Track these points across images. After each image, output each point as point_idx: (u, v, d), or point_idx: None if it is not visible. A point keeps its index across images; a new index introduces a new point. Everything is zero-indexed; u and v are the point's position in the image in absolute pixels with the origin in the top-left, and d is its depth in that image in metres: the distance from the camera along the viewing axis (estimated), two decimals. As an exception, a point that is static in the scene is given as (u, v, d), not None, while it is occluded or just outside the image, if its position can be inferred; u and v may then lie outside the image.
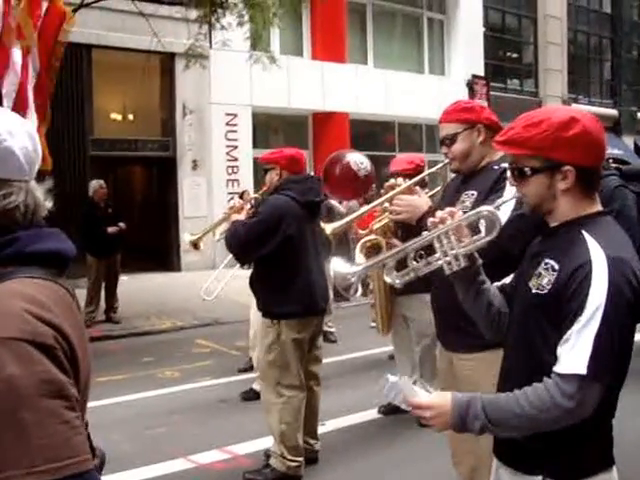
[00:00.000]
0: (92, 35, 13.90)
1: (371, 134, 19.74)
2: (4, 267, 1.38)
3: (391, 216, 3.47)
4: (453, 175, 3.67)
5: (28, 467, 1.20)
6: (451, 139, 3.32)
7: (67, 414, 1.27)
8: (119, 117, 15.76)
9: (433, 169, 3.88)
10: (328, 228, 3.76)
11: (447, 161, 3.45)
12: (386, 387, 2.12)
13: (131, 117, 15.85)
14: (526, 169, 2.07)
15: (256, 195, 5.57)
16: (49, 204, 1.51)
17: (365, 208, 3.85)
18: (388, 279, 2.38)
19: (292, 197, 4.72)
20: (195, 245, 5.37)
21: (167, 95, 15.86)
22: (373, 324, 8.48)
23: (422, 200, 3.30)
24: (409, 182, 3.46)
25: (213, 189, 15.98)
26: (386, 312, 5.89)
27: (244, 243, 4.62)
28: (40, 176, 1.52)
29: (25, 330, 1.26)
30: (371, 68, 19.76)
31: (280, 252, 4.64)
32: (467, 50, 21.50)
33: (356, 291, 4.84)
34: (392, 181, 3.48)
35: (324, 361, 7.54)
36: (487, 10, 22.66)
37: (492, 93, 21.93)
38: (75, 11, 10.77)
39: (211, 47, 13.55)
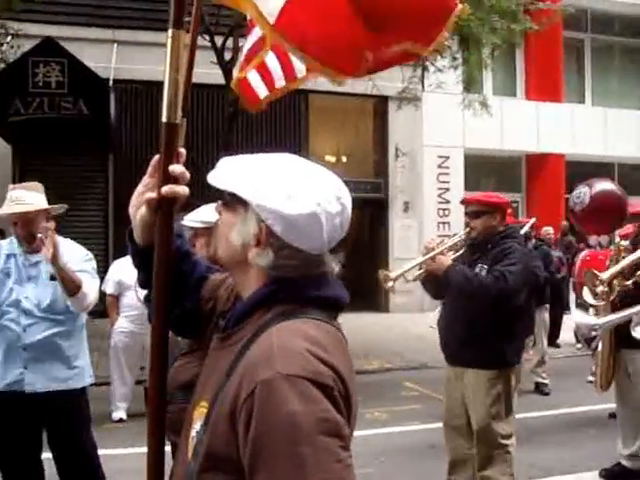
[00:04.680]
0: (310, 81, 14.56)
1: (588, 176, 18.79)
2: (286, 305, 1.51)
3: None
4: None
5: None
6: None
7: (342, 453, 1.33)
8: (333, 159, 16.29)
9: None
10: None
11: None
12: None
13: (344, 159, 16.34)
14: None
15: (458, 238, 5.22)
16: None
17: None
18: (637, 334, 2.18)
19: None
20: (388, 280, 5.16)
21: (380, 137, 16.25)
22: (590, 378, 7.99)
23: None
24: None
25: (424, 231, 16.00)
26: (608, 366, 5.41)
27: (513, 291, 4.43)
28: None
29: (307, 369, 1.35)
30: (589, 106, 19.05)
31: (526, 299, 4.63)
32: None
33: (597, 346, 4.64)
34: None
35: (537, 414, 7.30)
36: None
37: None
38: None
39: (423, 89, 13.69)
